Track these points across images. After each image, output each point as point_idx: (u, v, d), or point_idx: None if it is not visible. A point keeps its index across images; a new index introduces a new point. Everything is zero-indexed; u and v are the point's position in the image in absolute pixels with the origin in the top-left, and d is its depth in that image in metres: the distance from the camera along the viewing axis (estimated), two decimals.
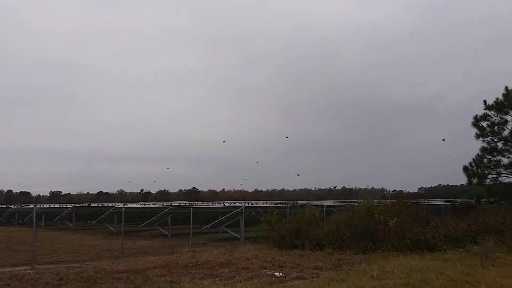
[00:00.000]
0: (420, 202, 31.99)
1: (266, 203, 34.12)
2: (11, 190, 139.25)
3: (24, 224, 47.55)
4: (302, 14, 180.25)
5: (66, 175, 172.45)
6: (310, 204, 21.29)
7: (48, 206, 55.94)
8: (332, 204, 31.25)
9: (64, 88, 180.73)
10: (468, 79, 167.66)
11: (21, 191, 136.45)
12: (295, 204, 24.66)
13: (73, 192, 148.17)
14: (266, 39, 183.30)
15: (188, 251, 18.81)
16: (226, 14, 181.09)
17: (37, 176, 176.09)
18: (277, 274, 10.81)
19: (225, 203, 52.79)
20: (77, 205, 53.45)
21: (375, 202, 21.38)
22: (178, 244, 24.01)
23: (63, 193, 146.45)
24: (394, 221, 17.17)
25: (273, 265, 12.25)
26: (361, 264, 12.43)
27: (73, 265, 15.02)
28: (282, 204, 32.19)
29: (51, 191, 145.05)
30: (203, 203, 63.41)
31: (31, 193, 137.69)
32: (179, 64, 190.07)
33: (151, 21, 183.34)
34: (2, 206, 58.36)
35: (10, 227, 43.65)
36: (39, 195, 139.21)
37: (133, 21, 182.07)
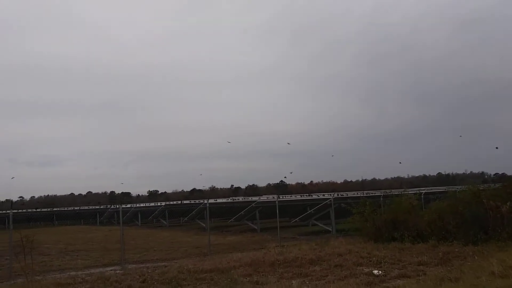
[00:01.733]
0: None
1: (357, 194, 32.38)
2: (114, 191, 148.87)
3: (123, 223, 50.12)
4: None
5: (162, 175, 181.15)
6: (407, 192, 19.43)
7: (144, 205, 58.52)
8: (431, 191, 28.73)
9: (150, 92, 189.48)
10: None
11: (122, 192, 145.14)
12: (389, 193, 22.82)
13: (169, 190, 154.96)
14: (344, 24, 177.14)
15: (277, 246, 18.00)
16: (302, 4, 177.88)
17: (136, 177, 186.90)
18: (375, 272, 9.49)
19: (313, 195, 51.55)
20: (170, 202, 55.23)
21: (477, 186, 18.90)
22: (266, 238, 23.35)
23: (159, 192, 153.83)
24: (507, 207, 14.94)
25: (370, 261, 10.91)
26: (475, 257, 10.69)
27: (161, 264, 14.85)
28: (375, 193, 30.24)
29: (149, 191, 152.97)
30: (291, 195, 62.62)
31: (131, 193, 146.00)
32: (260, 60, 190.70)
33: (226, 20, 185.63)
34: (102, 207, 62.17)
35: (110, 226, 46.14)
36: (138, 195, 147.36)
37: (208, 23, 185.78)
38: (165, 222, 42.72)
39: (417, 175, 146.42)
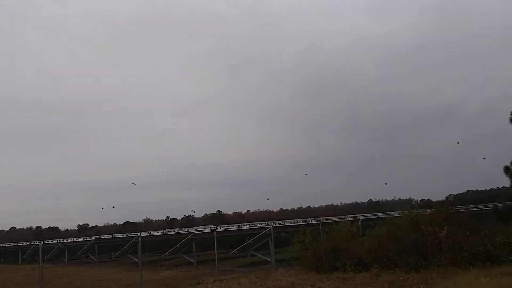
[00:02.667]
0: (461, 209, 29.43)
1: (295, 222, 32.07)
2: (40, 226, 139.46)
3: (48, 261, 46.42)
4: (314, 32, 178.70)
5: (92, 208, 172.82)
6: (345, 219, 19.23)
7: (72, 240, 54.75)
8: (368, 217, 28.99)
9: (84, 124, 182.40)
10: (486, 84, 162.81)
11: (50, 227, 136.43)
12: (328, 221, 22.60)
13: (100, 224, 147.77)
14: (280, 60, 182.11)
15: (215, 280, 16.97)
16: (240, 39, 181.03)
17: (64, 210, 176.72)
18: None
19: (251, 225, 50.80)
20: (100, 236, 52.12)
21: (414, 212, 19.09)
22: (204, 272, 22.17)
23: (90, 226, 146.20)
24: (445, 232, 15.05)
25: None
26: (420, 286, 10.37)
27: None
28: (312, 221, 30.05)
29: (78, 225, 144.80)
30: (228, 226, 61.41)
31: (59, 228, 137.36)
32: (198, 91, 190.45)
33: (165, 50, 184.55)
34: (25, 244, 57.38)
35: (34, 264, 42.46)
36: (67, 229, 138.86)
37: (146, 53, 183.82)
38: (94, 258, 39.98)
39: (349, 202, 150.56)
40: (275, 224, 25.32)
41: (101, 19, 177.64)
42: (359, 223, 22.59)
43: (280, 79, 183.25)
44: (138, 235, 21.27)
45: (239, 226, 53.51)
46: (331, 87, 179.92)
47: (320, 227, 21.07)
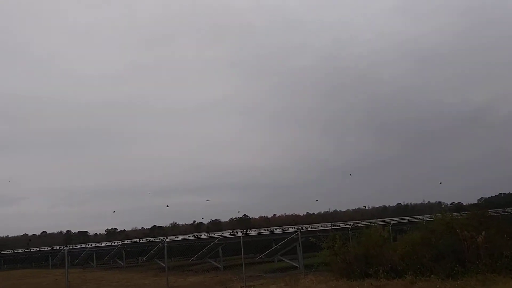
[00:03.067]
0: (496, 212, 28.28)
1: (323, 226, 31.46)
2: (70, 231, 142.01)
3: (77, 265, 46.97)
4: (340, 27, 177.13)
5: (121, 212, 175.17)
6: (376, 224, 18.59)
7: (100, 244, 55.38)
8: (399, 221, 28.13)
9: (110, 127, 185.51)
10: None
11: (79, 231, 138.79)
12: (358, 225, 21.97)
13: (128, 228, 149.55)
14: (301, 56, 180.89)
15: (242, 286, 16.62)
16: (258, 37, 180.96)
17: (93, 215, 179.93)
18: None
19: (277, 229, 50.39)
20: (127, 241, 52.50)
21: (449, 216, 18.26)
22: (231, 278, 21.82)
23: (118, 230, 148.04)
24: (483, 237, 14.31)
25: None
26: None
27: None
28: (340, 226, 29.40)
29: (107, 229, 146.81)
30: (255, 230, 61.09)
31: (88, 232, 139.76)
32: (216, 93, 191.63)
33: (186, 54, 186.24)
34: (55, 248, 58.33)
35: (63, 269, 42.96)
36: (96, 233, 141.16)
37: (167, 57, 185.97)
38: (121, 263, 40.18)
39: (377, 206, 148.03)
40: (303, 229, 24.80)
41: (124, 24, 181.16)
42: (390, 227, 21.85)
43: (299, 76, 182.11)
44: (164, 240, 21.06)
45: (265, 230, 53.15)
46: (359, 93, 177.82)
47: (350, 231, 20.48)
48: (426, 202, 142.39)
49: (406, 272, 13.95)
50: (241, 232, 32.45)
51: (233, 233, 41.71)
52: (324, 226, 31.26)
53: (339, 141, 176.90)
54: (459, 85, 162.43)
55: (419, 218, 22.61)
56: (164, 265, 31.26)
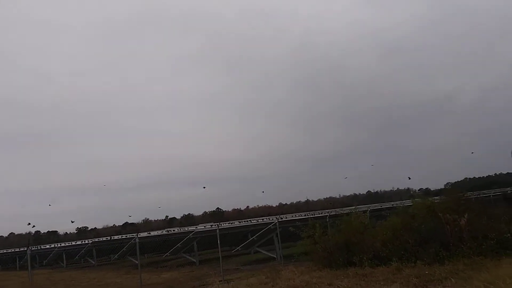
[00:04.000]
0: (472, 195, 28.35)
1: (300, 216, 30.98)
2: (39, 231, 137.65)
3: (46, 266, 45.24)
4: (308, 20, 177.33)
5: (91, 210, 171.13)
6: (356, 210, 18.12)
7: (70, 243, 53.54)
8: (378, 207, 27.81)
9: (73, 126, 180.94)
10: (483, 75, 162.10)
11: (48, 231, 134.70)
12: (337, 213, 21.50)
13: (99, 226, 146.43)
14: (276, 55, 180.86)
15: (220, 281, 15.88)
16: (234, 36, 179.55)
17: (63, 214, 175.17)
18: None
19: (252, 220, 49.80)
20: (99, 239, 50.95)
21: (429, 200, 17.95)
22: (207, 272, 21.06)
23: (89, 228, 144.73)
24: (465, 219, 13.99)
25: None
26: (451, 280, 9.29)
27: None
28: (317, 214, 28.94)
29: (77, 228, 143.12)
30: (229, 223, 60.27)
31: (58, 231, 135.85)
32: (180, 86, 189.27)
33: (161, 49, 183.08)
34: (23, 249, 56.06)
35: (32, 270, 41.24)
36: (66, 233, 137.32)
37: (139, 51, 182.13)
38: (93, 262, 38.85)
39: (348, 194, 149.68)
40: (280, 219, 24.21)
41: (95, 18, 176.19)
42: (367, 214, 21.49)
43: (278, 75, 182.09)
44: (136, 236, 20.08)
45: (239, 222, 52.44)
46: (328, 82, 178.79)
47: (328, 219, 19.97)
48: (396, 189, 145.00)
49: (390, 258, 13.48)
50: (216, 225, 31.59)
51: (207, 226, 40.86)
52: (302, 216, 30.78)
53: (309, 131, 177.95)
54: (426, 74, 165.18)
55: (397, 204, 22.28)
56: (137, 262, 30.28)
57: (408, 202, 20.04)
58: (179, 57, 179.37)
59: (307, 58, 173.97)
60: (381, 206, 34.32)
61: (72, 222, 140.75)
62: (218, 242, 17.94)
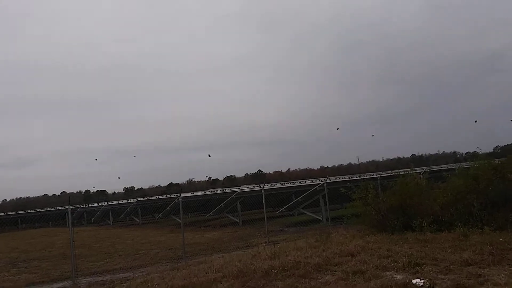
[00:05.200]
0: None
1: (347, 178, 29.78)
2: (89, 190, 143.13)
3: (94, 223, 46.59)
4: None
5: (137, 171, 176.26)
6: (413, 171, 16.73)
7: (116, 202, 54.86)
8: (432, 169, 26.12)
9: (127, 88, 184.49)
10: None
11: (98, 190, 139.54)
12: (390, 174, 20.18)
13: (145, 186, 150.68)
14: (315, 12, 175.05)
15: (266, 243, 15.16)
16: None
17: (112, 174, 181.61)
18: (415, 281, 6.68)
19: (296, 182, 49.05)
20: (142, 198, 51.83)
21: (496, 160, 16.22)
22: (251, 233, 20.50)
23: (136, 189, 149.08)
24: None
25: (396, 262, 8.06)
26: None
27: (123, 275, 11.85)
28: (363, 176, 27.60)
29: (124, 187, 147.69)
30: (272, 184, 59.85)
31: (107, 191, 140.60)
32: (231, 51, 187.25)
33: (191, 11, 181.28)
34: (73, 207, 57.98)
35: (80, 227, 42.57)
36: (114, 192, 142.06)
37: (182, 14, 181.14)
38: (137, 220, 39.51)
39: (391, 158, 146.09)
40: (329, 180, 23.14)
41: None
42: (421, 176, 20.02)
43: (316, 32, 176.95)
44: (179, 196, 19.65)
45: (282, 184, 51.76)
46: (368, 37, 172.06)
47: (379, 181, 18.71)
48: (441, 152, 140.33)
49: (452, 223, 12.21)
50: (259, 185, 30.94)
51: (250, 187, 40.39)
52: (346, 178, 29.57)
53: (355, 96, 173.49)
54: (475, 31, 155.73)
55: (455, 166, 20.64)
56: (180, 221, 30.26)
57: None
58: (218, 17, 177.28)
59: (349, 22, 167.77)
60: (428, 168, 32.53)
61: (119, 178, 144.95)
62: (263, 202, 17.16)
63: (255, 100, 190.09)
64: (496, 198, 12.60)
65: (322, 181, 22.99)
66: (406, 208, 13.86)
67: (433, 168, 30.12)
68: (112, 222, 42.75)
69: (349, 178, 27.94)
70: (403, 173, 16.43)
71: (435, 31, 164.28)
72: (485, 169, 14.22)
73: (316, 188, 22.53)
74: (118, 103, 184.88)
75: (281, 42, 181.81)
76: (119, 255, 17.14)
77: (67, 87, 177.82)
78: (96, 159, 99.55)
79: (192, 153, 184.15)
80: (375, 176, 23.16)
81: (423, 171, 20.20)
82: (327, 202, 20.31)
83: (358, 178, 21.63)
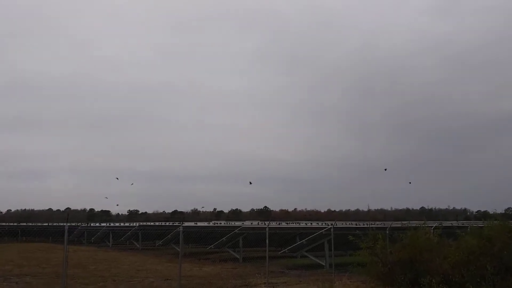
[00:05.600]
0: None
1: (356, 224, 29.09)
2: (93, 209, 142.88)
3: (94, 244, 45.94)
4: (370, 29, 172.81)
5: (144, 194, 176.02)
6: (425, 225, 16.13)
7: (117, 224, 54.34)
8: (443, 225, 25.32)
9: (141, 111, 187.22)
10: None
11: (102, 210, 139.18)
12: (401, 226, 19.57)
13: (150, 211, 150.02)
14: (335, 58, 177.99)
15: (265, 283, 14.56)
16: (294, 35, 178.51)
17: (117, 195, 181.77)
18: None
19: (301, 223, 48.32)
20: (145, 223, 51.28)
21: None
22: (251, 272, 19.81)
23: (140, 212, 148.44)
24: None
25: None
26: None
27: None
28: (371, 225, 26.97)
29: (128, 210, 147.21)
30: (277, 222, 59.03)
31: (111, 211, 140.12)
32: (241, 84, 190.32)
33: (216, 45, 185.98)
34: (73, 224, 57.51)
35: (79, 246, 41.95)
36: (118, 213, 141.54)
37: (198, 46, 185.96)
38: (137, 245, 38.84)
39: (400, 208, 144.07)
40: (335, 225, 22.54)
41: (161, 10, 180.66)
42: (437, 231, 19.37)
43: (333, 77, 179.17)
44: (180, 225, 19.21)
45: (287, 224, 51.04)
46: (384, 87, 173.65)
47: (387, 231, 18.10)
48: (451, 208, 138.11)
49: (463, 285, 11.59)
50: (264, 222, 30.39)
51: (254, 223, 39.75)
52: (354, 224, 28.90)
53: (364, 140, 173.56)
54: (490, 90, 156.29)
55: (467, 224, 19.97)
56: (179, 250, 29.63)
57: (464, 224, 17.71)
58: (239, 54, 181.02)
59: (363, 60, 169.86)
60: (441, 224, 31.71)
61: (117, 205, 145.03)
62: (267, 241, 16.62)
63: (270, 139, 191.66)
64: (510, 263, 12.00)
65: (329, 225, 22.40)
66: (415, 264, 13.25)
67: (445, 223, 29.26)
68: (112, 244, 42.09)
69: (356, 225, 27.26)
70: (414, 225, 15.83)
71: (450, 87, 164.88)
72: (499, 230, 13.66)
73: (322, 232, 21.91)
74: (133, 127, 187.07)
75: (301, 83, 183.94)
76: (113, 280, 16.61)
77: (82, 107, 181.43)
78: (117, 178, 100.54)
79: (200, 183, 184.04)
80: (384, 225, 22.50)
81: (434, 225, 19.50)
82: (332, 248, 19.67)
83: (367, 226, 20.99)
